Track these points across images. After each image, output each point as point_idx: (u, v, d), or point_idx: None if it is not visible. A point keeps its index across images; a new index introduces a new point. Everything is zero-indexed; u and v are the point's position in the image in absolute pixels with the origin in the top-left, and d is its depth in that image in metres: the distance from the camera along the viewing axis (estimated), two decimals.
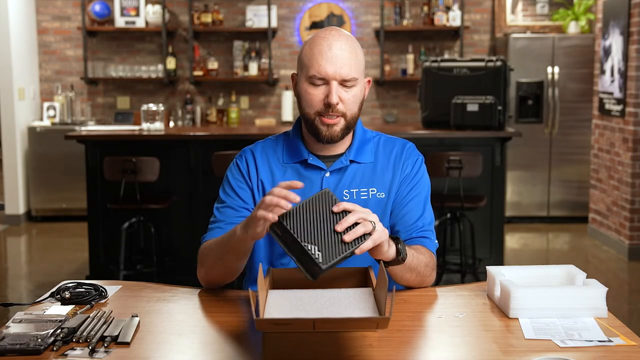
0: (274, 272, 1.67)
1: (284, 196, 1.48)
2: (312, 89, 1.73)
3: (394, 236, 1.64)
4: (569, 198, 6.61)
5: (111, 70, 6.88)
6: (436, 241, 1.83)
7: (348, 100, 1.73)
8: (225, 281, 1.76)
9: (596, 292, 1.55)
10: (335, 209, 1.51)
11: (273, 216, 1.47)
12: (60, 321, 1.46)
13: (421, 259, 1.72)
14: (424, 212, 1.83)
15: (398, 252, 1.61)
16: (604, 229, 5.85)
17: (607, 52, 5.71)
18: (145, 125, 4.85)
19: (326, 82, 1.72)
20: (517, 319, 1.53)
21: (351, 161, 1.83)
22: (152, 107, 4.87)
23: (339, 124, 1.75)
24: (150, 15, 6.75)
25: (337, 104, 1.72)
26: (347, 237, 1.47)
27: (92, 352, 1.35)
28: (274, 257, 1.82)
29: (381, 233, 1.52)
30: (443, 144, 4.74)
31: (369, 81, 1.83)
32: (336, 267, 1.70)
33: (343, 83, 1.72)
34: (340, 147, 1.84)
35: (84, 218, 5.51)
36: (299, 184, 1.53)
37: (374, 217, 1.53)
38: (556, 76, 6.44)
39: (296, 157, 1.84)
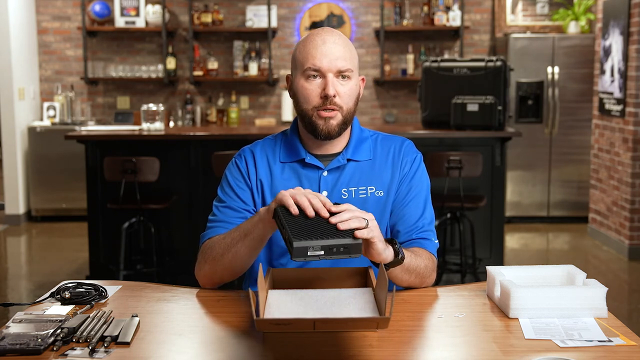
0: (274, 272, 1.67)
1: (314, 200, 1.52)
2: (308, 84, 1.74)
3: (390, 238, 1.64)
4: (569, 198, 6.61)
5: (111, 70, 6.88)
6: (436, 241, 1.83)
7: (344, 93, 1.74)
8: (228, 278, 1.75)
9: (596, 292, 1.55)
10: (334, 208, 1.52)
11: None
12: (60, 321, 1.46)
13: (420, 260, 1.72)
14: (424, 212, 1.82)
15: (396, 252, 1.61)
16: (604, 229, 5.85)
17: (607, 52, 5.71)
18: (145, 125, 4.85)
19: (322, 75, 1.73)
20: (517, 319, 1.53)
21: (348, 160, 1.83)
22: (152, 107, 4.87)
23: (336, 117, 1.75)
24: (150, 15, 6.75)
25: (334, 96, 1.72)
26: (342, 225, 1.47)
27: (92, 352, 1.35)
28: (273, 257, 1.81)
29: (374, 229, 1.53)
30: (443, 144, 4.74)
31: (362, 79, 1.84)
32: (336, 268, 1.70)
33: (339, 75, 1.73)
34: (338, 146, 1.84)
35: (84, 218, 5.51)
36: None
37: (369, 216, 1.54)
38: (556, 76, 6.44)
39: (294, 156, 1.84)
